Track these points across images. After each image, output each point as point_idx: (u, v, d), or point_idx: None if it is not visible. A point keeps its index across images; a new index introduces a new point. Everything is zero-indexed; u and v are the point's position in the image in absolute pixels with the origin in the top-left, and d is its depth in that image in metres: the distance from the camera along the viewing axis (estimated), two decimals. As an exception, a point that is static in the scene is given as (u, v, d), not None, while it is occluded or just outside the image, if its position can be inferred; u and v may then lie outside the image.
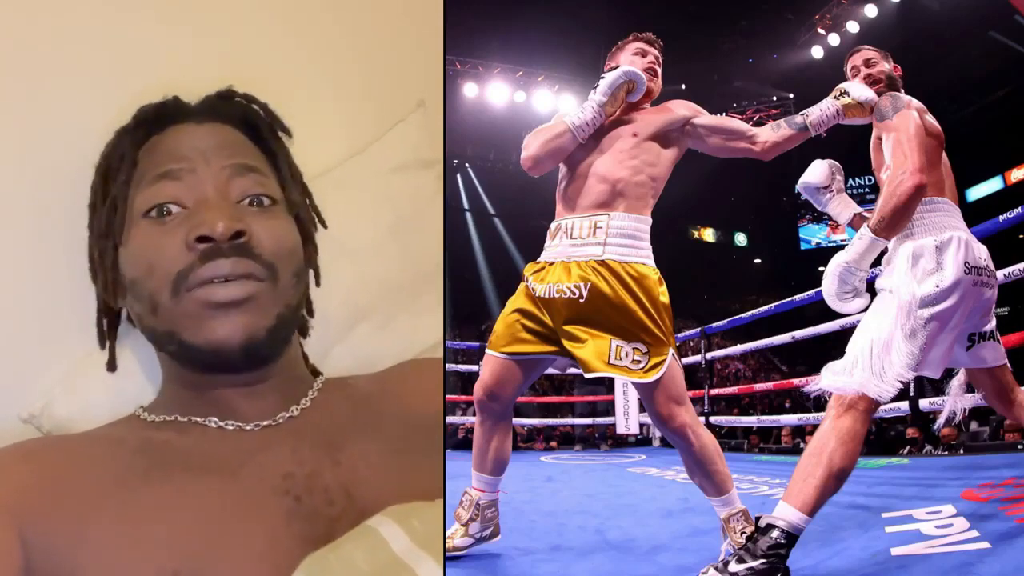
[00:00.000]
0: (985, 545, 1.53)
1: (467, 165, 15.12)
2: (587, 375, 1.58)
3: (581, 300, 1.58)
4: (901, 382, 1.41)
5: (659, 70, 1.77)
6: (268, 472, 1.01)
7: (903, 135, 1.52)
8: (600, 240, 1.61)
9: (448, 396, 5.08)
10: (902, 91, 1.69)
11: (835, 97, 1.68)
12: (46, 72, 1.22)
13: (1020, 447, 3.56)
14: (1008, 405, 1.66)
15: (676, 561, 1.68)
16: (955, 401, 1.74)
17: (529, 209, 10.81)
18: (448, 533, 1.79)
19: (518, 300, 1.71)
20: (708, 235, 18.23)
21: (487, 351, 1.74)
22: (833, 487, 1.36)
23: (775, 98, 14.36)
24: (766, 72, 14.16)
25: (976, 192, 13.23)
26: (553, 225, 1.72)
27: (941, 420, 1.87)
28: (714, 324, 5.59)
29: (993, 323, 1.62)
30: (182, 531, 0.92)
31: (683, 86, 11.43)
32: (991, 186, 13.29)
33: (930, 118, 1.62)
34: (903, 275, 1.49)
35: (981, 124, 12.04)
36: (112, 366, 1.20)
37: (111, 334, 1.20)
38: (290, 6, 1.43)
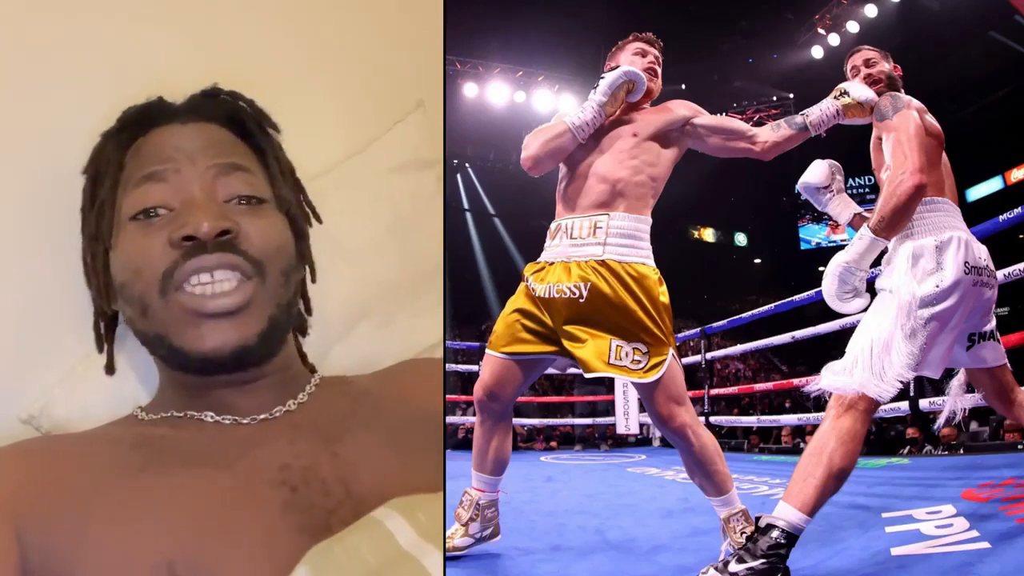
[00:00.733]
0: (985, 545, 1.53)
1: (467, 165, 15.12)
2: (587, 375, 1.58)
3: (581, 300, 1.58)
4: (901, 382, 1.41)
5: (659, 70, 1.77)
6: (264, 464, 1.01)
7: (903, 135, 1.52)
8: (600, 240, 1.61)
9: (448, 396, 5.08)
10: (902, 91, 1.69)
11: (835, 97, 1.68)
12: (40, 74, 1.22)
13: (1020, 447, 3.56)
14: (1008, 405, 1.66)
15: (676, 561, 1.68)
16: (955, 401, 1.74)
17: (529, 209, 10.81)
18: (448, 533, 1.79)
19: (518, 300, 1.71)
20: (708, 235, 18.22)
21: (487, 351, 1.74)
22: (833, 487, 1.36)
23: (775, 98, 14.36)
24: (766, 72, 14.16)
25: (976, 192, 13.23)
26: (553, 225, 1.72)
27: (941, 420, 1.86)
28: (714, 324, 5.58)
29: (993, 323, 1.62)
30: (178, 523, 0.92)
31: (683, 86, 11.43)
32: (991, 186, 13.29)
33: (930, 118, 1.62)
34: (903, 275, 1.49)
35: (981, 124, 12.04)
36: (111, 369, 1.20)
37: (109, 337, 1.20)
38: (291, 6, 1.43)
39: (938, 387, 2.99)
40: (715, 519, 1.64)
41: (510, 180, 13.69)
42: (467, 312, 13.70)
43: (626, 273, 1.58)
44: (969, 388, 1.75)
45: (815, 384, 1.48)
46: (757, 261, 18.39)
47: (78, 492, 0.94)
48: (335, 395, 1.17)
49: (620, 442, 6.56)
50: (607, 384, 6.21)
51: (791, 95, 14.01)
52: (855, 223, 1.76)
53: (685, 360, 5.00)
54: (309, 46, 1.43)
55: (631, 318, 1.56)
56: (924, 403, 3.52)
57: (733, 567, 1.32)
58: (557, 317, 1.62)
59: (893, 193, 1.46)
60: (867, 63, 1.74)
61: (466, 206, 15.37)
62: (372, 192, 1.44)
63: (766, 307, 4.93)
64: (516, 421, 6.01)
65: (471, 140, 13.77)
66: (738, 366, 13.97)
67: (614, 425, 6.21)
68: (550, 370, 1.82)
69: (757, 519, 1.37)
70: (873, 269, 1.51)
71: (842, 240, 14.47)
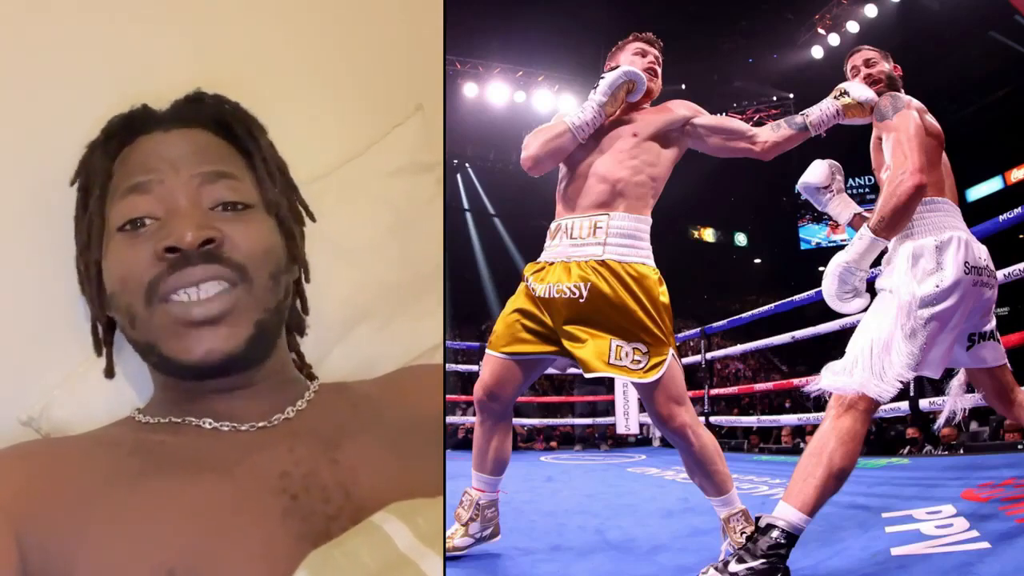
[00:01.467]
0: (985, 545, 1.53)
1: (467, 165, 15.12)
2: (587, 375, 1.58)
3: (581, 300, 1.58)
4: (901, 382, 1.41)
5: (659, 70, 1.77)
6: (264, 471, 1.01)
7: (903, 135, 1.52)
8: (600, 240, 1.61)
9: (448, 396, 5.08)
10: (902, 91, 1.69)
11: (835, 97, 1.68)
12: (32, 77, 1.21)
13: (1020, 447, 3.56)
14: (1008, 405, 1.66)
15: (676, 561, 1.68)
16: (955, 401, 1.74)
17: (529, 209, 10.81)
18: (448, 533, 1.79)
19: (518, 300, 1.71)
20: (708, 235, 18.22)
21: (487, 351, 1.74)
22: (833, 487, 1.36)
23: (775, 98, 14.36)
24: (766, 72, 14.16)
25: (976, 192, 13.22)
26: (553, 225, 1.72)
27: (941, 420, 1.86)
28: (714, 324, 5.58)
29: (993, 323, 1.62)
30: (178, 530, 0.92)
31: (683, 86, 11.43)
32: (991, 186, 13.29)
33: (930, 118, 1.62)
34: (903, 275, 1.49)
35: (981, 124, 12.04)
36: (110, 373, 1.20)
37: (107, 340, 1.20)
38: (291, 9, 1.43)
39: (938, 387, 2.99)
40: (715, 519, 1.64)
41: (510, 180, 13.69)
42: (467, 312, 13.70)
43: (626, 273, 1.58)
44: (969, 388, 1.75)
45: (815, 384, 1.48)
46: (757, 261, 18.38)
47: (78, 496, 0.94)
48: (335, 401, 1.17)
49: (620, 442, 6.56)
50: (607, 384, 6.21)
51: (791, 95, 14.01)
52: (855, 223, 1.76)
53: (685, 360, 5.00)
54: (308, 49, 1.43)
55: (631, 318, 1.56)
56: (924, 403, 3.52)
57: (733, 567, 1.32)
58: (557, 317, 1.62)
59: (893, 193, 1.46)
60: (867, 63, 1.74)
61: (466, 206, 15.37)
62: (372, 195, 1.44)
63: (766, 307, 4.93)
64: (516, 421, 6.01)
65: (471, 140, 13.77)
66: (738, 366, 13.97)
67: (614, 425, 6.21)
68: (550, 370, 1.82)
69: (757, 519, 1.37)
70: (873, 269, 1.51)
71: (842, 240, 14.47)
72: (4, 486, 0.94)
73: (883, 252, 1.53)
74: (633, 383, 1.60)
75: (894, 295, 1.48)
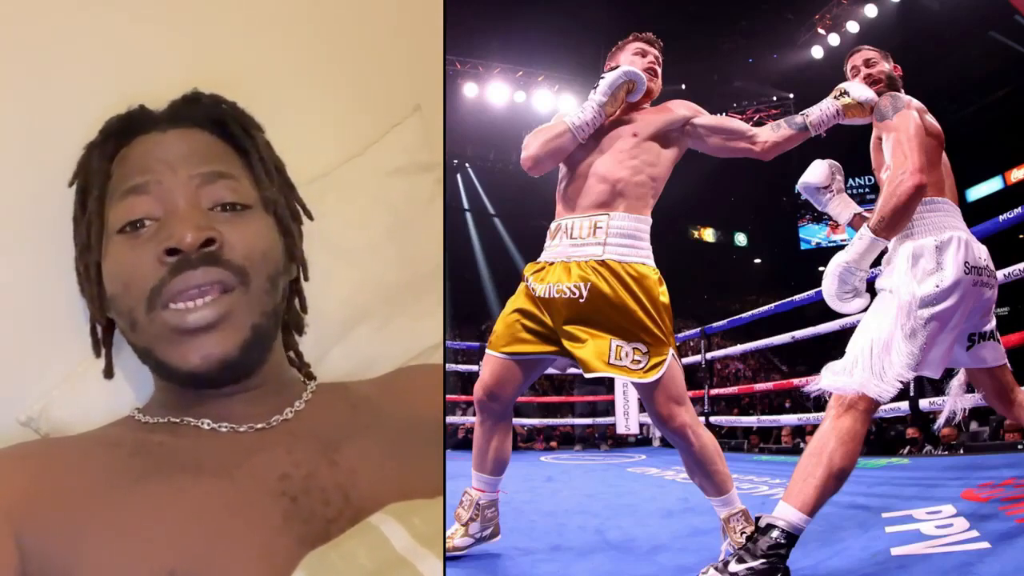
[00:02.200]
0: (985, 545, 1.53)
1: (467, 165, 15.12)
2: (587, 375, 1.58)
3: (581, 300, 1.58)
4: (901, 382, 1.41)
5: (659, 70, 1.77)
6: (264, 473, 1.01)
7: (903, 135, 1.52)
8: (600, 240, 1.61)
9: (448, 396, 5.08)
10: (902, 91, 1.69)
11: (835, 97, 1.68)
12: (37, 72, 1.21)
13: (1020, 447, 3.56)
14: (1008, 405, 1.66)
15: (676, 561, 1.68)
16: (955, 401, 1.74)
17: (529, 209, 10.81)
18: (448, 533, 1.79)
19: (518, 300, 1.71)
20: (708, 235, 18.22)
21: (487, 351, 1.74)
22: (833, 487, 1.36)
23: (775, 98, 14.36)
24: (766, 72, 14.16)
25: (976, 192, 13.22)
26: (553, 225, 1.72)
27: (941, 420, 1.86)
28: (714, 324, 5.58)
29: (993, 323, 1.62)
30: (178, 531, 0.92)
31: (683, 86, 11.43)
32: (991, 186, 13.29)
33: (930, 118, 1.62)
34: (903, 275, 1.49)
35: (981, 124, 12.04)
36: (109, 373, 1.20)
37: (106, 341, 1.20)
38: (291, 10, 1.43)
39: (938, 387, 2.99)
40: (715, 519, 1.64)
41: (510, 180, 13.69)
42: (467, 312, 13.70)
43: (626, 273, 1.58)
44: (969, 388, 1.75)
45: (815, 384, 1.48)
46: (757, 261, 18.38)
47: (78, 497, 0.94)
48: (334, 402, 1.17)
49: (620, 442, 6.56)
50: (607, 384, 6.21)
51: (791, 95, 14.01)
52: (855, 223, 1.76)
53: (685, 360, 5.00)
54: (307, 49, 1.43)
55: (631, 318, 1.56)
56: (924, 403, 3.52)
57: (733, 567, 1.32)
58: (557, 317, 1.62)
59: (893, 193, 1.46)
60: (867, 63, 1.74)
61: (466, 206, 15.37)
62: (371, 195, 1.43)
63: (766, 307, 4.92)
64: (516, 421, 6.01)
65: (471, 140, 13.77)
66: (738, 366, 13.97)
67: (614, 425, 6.21)
68: (550, 370, 1.82)
69: (757, 519, 1.37)
70: (873, 269, 1.51)
71: (842, 240, 14.47)
72: (4, 487, 0.94)
73: (883, 252, 1.53)
74: (633, 383, 1.60)
75: (894, 295, 1.48)
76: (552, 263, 1.66)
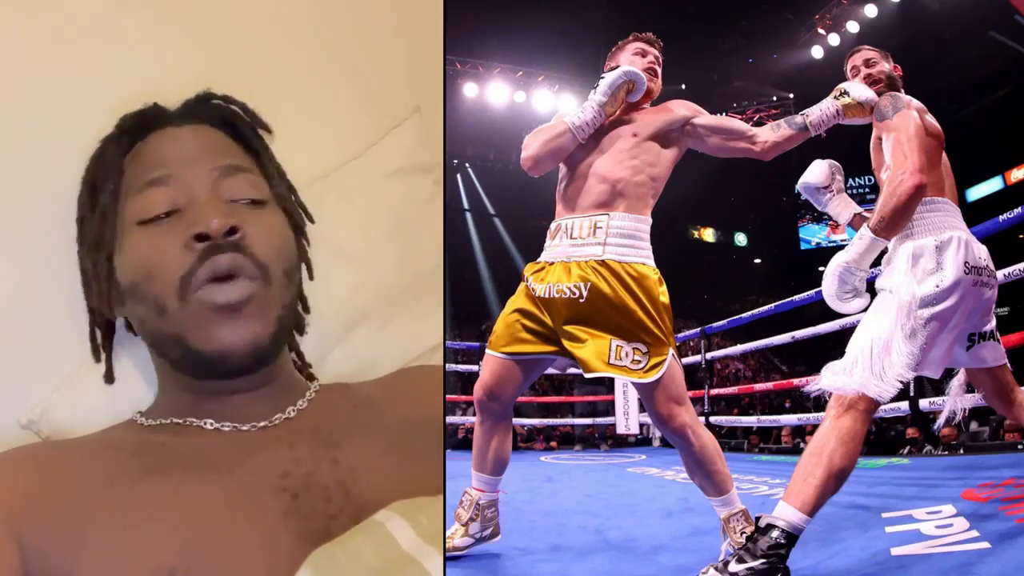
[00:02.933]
0: (985, 545, 1.53)
1: (467, 165, 15.12)
2: (587, 375, 1.58)
3: (581, 300, 1.58)
4: (901, 382, 1.41)
5: (659, 70, 1.77)
6: (265, 471, 1.01)
7: (903, 135, 1.52)
8: (600, 240, 1.61)
9: (448, 396, 5.08)
10: (902, 91, 1.69)
11: (835, 97, 1.68)
12: (34, 83, 1.21)
13: (1020, 447, 3.56)
14: (1008, 405, 1.66)
15: (676, 561, 1.68)
16: (955, 401, 1.74)
17: (529, 209, 10.81)
18: (448, 533, 1.79)
19: (518, 300, 1.71)
20: (708, 235, 18.22)
21: (487, 351, 1.74)
22: (833, 487, 1.36)
23: (775, 98, 14.36)
24: (766, 72, 14.16)
25: (976, 192, 13.22)
26: (553, 225, 1.72)
27: (941, 420, 1.86)
28: (714, 324, 5.58)
29: (993, 323, 1.62)
30: (179, 530, 0.92)
31: (683, 86, 11.43)
32: (991, 186, 13.29)
33: (930, 118, 1.62)
34: (903, 275, 1.49)
35: (981, 124, 12.04)
36: (110, 378, 1.20)
37: (106, 345, 1.20)
38: (291, 11, 1.43)
39: (938, 387, 2.99)
40: (715, 519, 1.64)
41: (510, 180, 13.69)
42: (467, 312, 13.70)
43: (626, 273, 1.58)
44: (969, 388, 1.75)
45: (815, 384, 1.48)
46: (757, 261, 18.38)
47: (79, 499, 0.94)
48: (335, 401, 1.17)
49: (620, 442, 6.56)
50: (607, 384, 6.21)
51: (791, 95, 14.01)
52: (855, 223, 1.76)
53: (685, 360, 5.00)
54: (308, 50, 1.43)
55: (631, 318, 1.56)
56: (924, 403, 3.52)
57: (733, 567, 1.32)
58: (557, 317, 1.62)
59: (893, 193, 1.46)
60: (867, 63, 1.74)
61: (466, 206, 15.37)
62: (371, 197, 1.43)
63: (766, 307, 4.92)
64: (516, 421, 6.01)
65: (471, 140, 13.77)
66: (738, 366, 13.97)
67: (614, 425, 6.21)
68: (550, 370, 1.82)
69: (757, 519, 1.37)
70: (873, 269, 1.51)
71: (842, 240, 14.47)
72: (5, 489, 0.94)
73: (883, 252, 1.53)
74: (633, 383, 1.60)
75: (894, 295, 1.48)
76: (552, 263, 1.66)
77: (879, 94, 1.66)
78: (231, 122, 1.21)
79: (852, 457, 1.37)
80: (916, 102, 1.62)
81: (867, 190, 13.56)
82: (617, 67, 1.68)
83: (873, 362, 1.42)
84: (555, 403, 9.08)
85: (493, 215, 15.59)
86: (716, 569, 1.34)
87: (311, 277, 1.29)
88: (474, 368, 5.46)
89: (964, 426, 4.69)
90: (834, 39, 11.97)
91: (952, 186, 1.64)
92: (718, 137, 1.75)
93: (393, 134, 1.50)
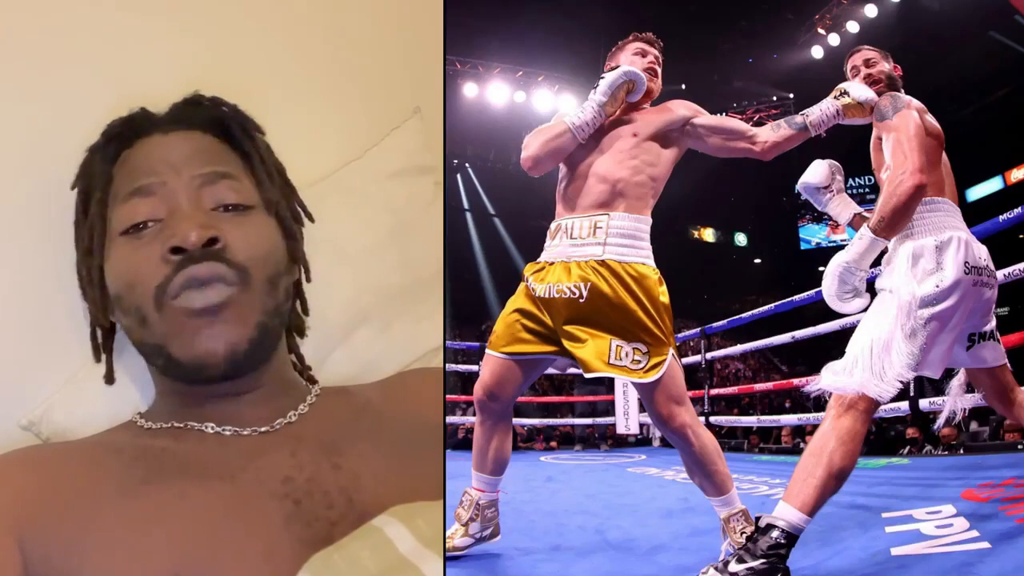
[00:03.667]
0: (985, 545, 1.53)
1: (467, 165, 15.12)
2: (587, 375, 1.58)
3: (581, 300, 1.58)
4: (901, 382, 1.41)
5: (659, 70, 1.77)
6: (267, 476, 1.01)
7: (903, 135, 1.52)
8: (600, 240, 1.61)
9: (448, 396, 5.08)
10: (902, 91, 1.69)
11: (835, 97, 1.68)
12: (37, 74, 1.21)
13: (1020, 447, 3.56)
14: (1008, 405, 1.66)
15: (676, 561, 1.68)
16: (955, 401, 1.74)
17: (529, 209, 10.82)
18: (448, 533, 1.79)
19: (518, 300, 1.71)
20: (708, 235, 18.22)
21: (487, 351, 1.74)
22: (833, 487, 1.36)
23: (775, 98, 14.36)
24: (766, 72, 14.16)
25: (976, 192, 13.22)
26: (553, 225, 1.72)
27: (941, 420, 1.86)
28: (714, 324, 5.58)
29: (993, 323, 1.62)
30: (180, 535, 0.91)
31: (683, 86, 11.42)
32: (991, 186, 13.29)
33: (930, 118, 1.62)
34: (903, 275, 1.49)
35: (981, 124, 12.03)
36: (110, 379, 1.20)
37: (107, 346, 1.20)
38: (291, 12, 1.43)
39: (938, 387, 2.98)
40: (715, 519, 1.64)
41: (510, 180, 13.69)
42: (467, 312, 13.69)
43: (626, 273, 1.58)
44: (969, 388, 1.75)
45: (815, 384, 1.48)
46: (757, 261, 18.38)
47: (80, 502, 0.94)
48: (336, 406, 1.17)
49: (620, 442, 6.56)
50: (607, 384, 6.21)
51: (791, 95, 14.01)
52: (855, 223, 1.76)
53: (685, 360, 5.00)
54: (307, 50, 1.43)
55: (631, 318, 1.56)
56: (924, 403, 3.52)
57: (733, 567, 1.32)
58: (557, 317, 1.62)
59: (893, 193, 1.46)
60: (867, 63, 1.74)
61: (466, 206, 15.37)
62: (371, 198, 1.43)
63: (766, 307, 4.93)
64: (516, 421, 6.01)
65: (471, 140, 13.77)
66: (738, 366, 13.97)
67: (614, 425, 6.21)
68: (550, 370, 1.82)
69: (757, 519, 1.37)
70: (873, 269, 1.51)
71: (842, 240, 14.46)
72: (6, 492, 0.94)
73: (883, 252, 1.53)
74: (633, 383, 1.60)
75: (894, 295, 1.48)
76: (552, 263, 1.66)
77: (879, 94, 1.66)
78: (221, 125, 1.19)
79: (852, 457, 1.37)
80: (916, 102, 1.62)
81: (867, 190, 13.55)
82: (617, 67, 1.68)
83: (873, 362, 1.42)
84: (555, 403, 9.08)
85: (493, 215, 15.59)
86: (716, 569, 1.34)
87: (308, 279, 1.28)
88: (474, 368, 5.46)
89: (964, 426, 4.69)
90: (834, 39, 11.97)
91: (952, 186, 1.64)
92: (718, 137, 1.75)
93: (393, 135, 1.50)
